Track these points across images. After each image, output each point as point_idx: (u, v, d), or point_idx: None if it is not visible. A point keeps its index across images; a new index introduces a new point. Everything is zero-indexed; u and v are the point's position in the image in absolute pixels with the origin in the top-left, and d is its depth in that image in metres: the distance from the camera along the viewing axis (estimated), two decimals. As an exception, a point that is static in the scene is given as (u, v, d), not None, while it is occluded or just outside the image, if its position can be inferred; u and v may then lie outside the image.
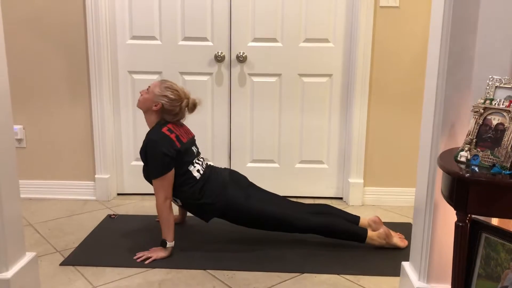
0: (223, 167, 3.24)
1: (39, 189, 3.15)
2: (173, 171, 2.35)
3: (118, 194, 3.25)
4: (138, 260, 2.30)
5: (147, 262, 2.28)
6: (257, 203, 2.43)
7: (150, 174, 2.39)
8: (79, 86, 3.03)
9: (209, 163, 2.61)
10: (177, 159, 2.35)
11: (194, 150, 2.49)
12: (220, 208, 2.41)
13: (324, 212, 2.53)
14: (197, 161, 2.47)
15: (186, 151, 2.41)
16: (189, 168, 2.40)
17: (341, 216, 2.52)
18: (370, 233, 2.44)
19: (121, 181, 3.24)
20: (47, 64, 3.01)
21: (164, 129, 2.36)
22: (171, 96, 2.36)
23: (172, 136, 2.36)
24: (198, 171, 2.43)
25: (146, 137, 2.40)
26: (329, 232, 2.45)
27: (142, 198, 3.20)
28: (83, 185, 3.15)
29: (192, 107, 2.44)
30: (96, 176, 3.12)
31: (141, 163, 3.19)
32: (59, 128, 3.09)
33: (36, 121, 3.09)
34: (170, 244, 2.33)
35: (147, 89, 2.42)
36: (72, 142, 3.11)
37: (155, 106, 2.37)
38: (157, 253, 2.32)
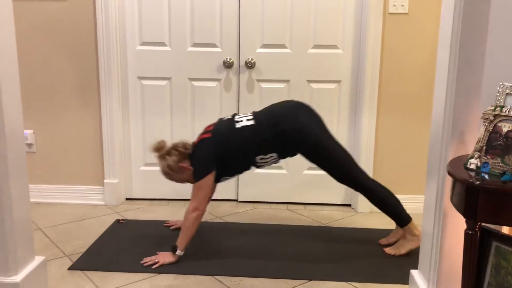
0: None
1: (48, 194, 3.18)
2: (212, 176, 2.35)
3: (127, 199, 3.26)
4: (146, 264, 2.30)
5: (154, 267, 2.29)
6: (333, 139, 2.46)
7: (194, 178, 2.39)
8: (89, 91, 3.06)
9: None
10: (219, 138, 2.37)
11: (227, 117, 2.48)
12: (295, 128, 2.36)
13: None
14: (237, 117, 2.45)
15: (218, 127, 2.42)
16: (237, 126, 2.38)
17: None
18: (413, 223, 2.46)
19: (129, 186, 3.25)
20: (57, 69, 3.04)
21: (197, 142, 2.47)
22: (174, 158, 2.41)
23: (202, 136, 2.44)
24: (248, 120, 2.40)
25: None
26: (381, 199, 2.46)
27: (151, 203, 3.21)
28: (92, 190, 3.17)
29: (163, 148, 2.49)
30: (105, 181, 3.14)
31: (150, 168, 3.22)
32: (68, 133, 3.12)
33: (46, 126, 3.11)
34: (180, 252, 2.33)
35: (169, 177, 2.48)
36: (82, 147, 3.13)
37: (182, 168, 2.41)
38: (165, 258, 2.33)
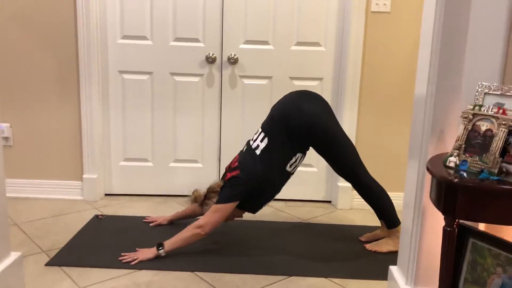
0: (214, 167, 3.24)
1: (25, 188, 3.12)
2: (233, 207, 2.35)
3: (106, 195, 3.22)
4: (124, 261, 2.28)
5: (133, 263, 2.26)
6: (340, 128, 2.47)
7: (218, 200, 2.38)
8: (69, 85, 3.01)
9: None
10: (246, 170, 2.36)
11: (245, 148, 2.47)
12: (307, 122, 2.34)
13: None
14: (251, 143, 2.44)
15: (243, 163, 2.40)
16: (255, 151, 2.37)
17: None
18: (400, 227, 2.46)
19: (109, 182, 3.21)
20: (36, 62, 2.98)
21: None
22: (213, 199, 2.40)
23: (232, 174, 2.41)
24: (261, 140, 2.38)
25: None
26: (378, 198, 2.49)
27: (130, 198, 3.18)
28: (71, 185, 3.12)
29: (198, 197, 2.50)
30: (84, 176, 3.10)
31: (130, 163, 3.19)
32: (47, 127, 3.06)
33: (24, 120, 3.05)
34: (163, 252, 2.31)
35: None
36: (60, 141, 3.08)
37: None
38: (144, 254, 2.31)
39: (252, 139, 2.46)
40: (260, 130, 2.44)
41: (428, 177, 1.72)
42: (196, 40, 3.03)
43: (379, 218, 2.55)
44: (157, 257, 2.31)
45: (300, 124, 2.33)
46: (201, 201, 2.46)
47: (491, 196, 1.39)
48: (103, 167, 3.16)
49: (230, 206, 2.34)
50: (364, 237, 2.61)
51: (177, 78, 3.09)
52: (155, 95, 3.10)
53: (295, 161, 2.41)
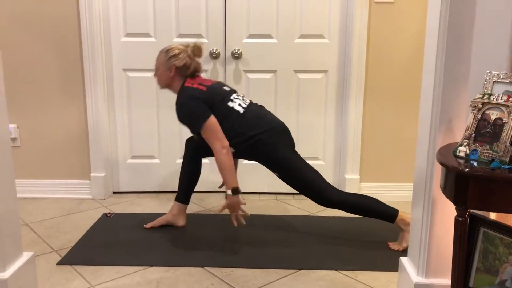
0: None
1: (34, 189, 3.13)
2: (214, 117, 2.32)
3: (114, 193, 3.23)
4: (235, 224, 2.35)
5: (235, 221, 2.34)
6: (301, 159, 2.44)
7: (194, 129, 2.36)
8: (74, 84, 3.01)
9: (254, 102, 2.53)
10: (210, 101, 2.34)
11: (227, 89, 2.46)
12: (270, 142, 2.35)
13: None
14: (235, 96, 2.43)
15: (215, 90, 2.40)
16: (228, 104, 2.38)
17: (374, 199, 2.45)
18: (402, 213, 2.36)
19: (117, 179, 3.22)
20: (40, 62, 2.98)
21: (186, 84, 2.40)
22: (176, 51, 2.39)
23: (194, 85, 2.38)
24: (239, 105, 2.40)
25: (176, 103, 2.41)
26: (358, 205, 2.37)
27: (138, 196, 3.19)
28: (79, 183, 3.14)
29: (198, 50, 2.45)
30: (91, 174, 3.11)
31: (137, 161, 3.19)
32: (53, 126, 3.07)
33: (30, 120, 3.06)
34: (230, 192, 2.31)
35: (155, 67, 2.46)
36: (67, 141, 3.09)
37: (170, 72, 2.40)
38: (234, 206, 2.33)
39: (236, 95, 2.46)
40: (246, 102, 2.44)
41: (437, 167, 1.71)
42: (200, 36, 3.03)
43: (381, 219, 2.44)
44: (169, 253, 2.31)
45: (266, 150, 2.37)
46: (173, 52, 2.42)
47: (503, 185, 1.38)
48: (110, 165, 3.17)
49: (210, 120, 2.31)
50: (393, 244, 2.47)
51: (182, 75, 3.08)
52: (160, 92, 3.10)
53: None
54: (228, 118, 2.36)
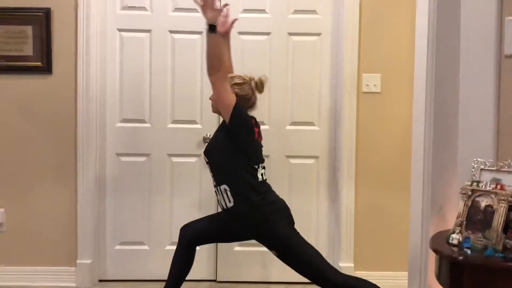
0: (212, 249, 3.16)
1: (18, 276, 2.99)
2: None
3: (100, 281, 3.10)
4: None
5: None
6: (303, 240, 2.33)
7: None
8: (65, 169, 3.01)
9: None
10: (253, 146, 2.31)
11: (261, 155, 2.41)
12: (272, 218, 2.27)
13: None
14: (263, 166, 2.38)
15: (259, 147, 2.36)
16: (255, 166, 2.31)
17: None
18: None
19: (103, 267, 3.11)
20: (33, 146, 3.00)
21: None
22: (240, 81, 2.34)
23: (252, 120, 2.34)
24: (262, 175, 2.34)
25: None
26: None
27: (125, 285, 3.06)
28: (64, 271, 3.02)
29: (261, 85, 2.40)
30: (77, 261, 3.00)
31: (125, 247, 3.11)
32: (41, 211, 3.02)
33: (18, 204, 3.01)
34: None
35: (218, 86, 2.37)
36: (55, 226, 3.02)
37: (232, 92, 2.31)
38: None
39: (263, 165, 2.41)
40: (265, 178, 2.39)
41: (431, 255, 1.68)
42: (194, 122, 3.10)
43: None
44: None
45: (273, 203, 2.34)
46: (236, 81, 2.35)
47: (498, 274, 1.36)
48: (98, 251, 3.08)
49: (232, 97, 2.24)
50: None
51: (174, 159, 3.11)
52: (153, 177, 3.10)
53: (222, 194, 2.33)
54: (251, 173, 2.31)
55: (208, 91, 3.07)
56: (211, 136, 2.57)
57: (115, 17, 3.08)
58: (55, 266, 3.03)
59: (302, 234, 3.11)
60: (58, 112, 3.00)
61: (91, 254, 3.02)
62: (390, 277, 3.00)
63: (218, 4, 2.21)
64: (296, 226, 3.09)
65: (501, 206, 1.43)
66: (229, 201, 2.29)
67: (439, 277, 1.50)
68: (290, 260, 2.31)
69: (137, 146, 3.10)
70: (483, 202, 1.49)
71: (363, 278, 2.51)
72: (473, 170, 1.57)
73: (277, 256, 2.34)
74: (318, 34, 3.09)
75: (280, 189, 3.09)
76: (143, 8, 3.08)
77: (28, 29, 2.95)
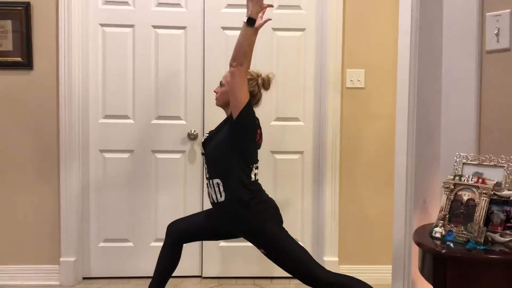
0: (196, 245, 3.15)
1: (0, 275, 2.97)
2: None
3: (84, 278, 3.08)
4: None
5: None
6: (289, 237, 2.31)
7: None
8: (48, 165, 2.97)
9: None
10: (252, 147, 2.29)
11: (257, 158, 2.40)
12: (262, 217, 2.25)
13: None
14: (257, 166, 2.35)
15: (258, 148, 2.35)
16: (250, 166, 2.29)
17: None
18: None
19: (87, 264, 3.09)
20: (14, 142, 2.96)
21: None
22: (248, 77, 2.31)
23: (258, 130, 2.32)
24: (255, 175, 2.32)
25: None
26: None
27: (109, 282, 3.04)
28: (47, 269, 2.98)
29: (268, 82, 2.40)
30: (61, 259, 2.97)
31: (110, 244, 3.08)
32: (24, 208, 2.98)
33: (0, 201, 2.97)
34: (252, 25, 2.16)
35: (220, 84, 2.38)
36: (37, 223, 2.98)
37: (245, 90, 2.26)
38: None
39: (257, 165, 2.38)
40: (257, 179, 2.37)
41: (415, 249, 1.70)
42: (178, 118, 3.08)
43: None
44: None
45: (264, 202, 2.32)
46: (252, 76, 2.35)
47: (480, 266, 1.38)
48: (82, 249, 3.05)
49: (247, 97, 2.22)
50: None
51: (159, 155, 3.09)
52: (136, 173, 3.08)
53: (213, 185, 2.32)
54: (245, 172, 2.28)
55: (192, 86, 3.08)
56: (207, 132, 2.54)
57: (97, 12, 3.04)
58: (39, 265, 2.99)
59: (287, 228, 3.14)
60: (39, 108, 2.95)
61: (75, 252, 2.99)
62: (374, 270, 3.04)
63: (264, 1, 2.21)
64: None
65: (483, 199, 1.45)
66: (220, 196, 2.28)
67: (422, 270, 1.51)
68: (278, 259, 2.31)
69: (120, 143, 3.07)
70: (465, 196, 1.51)
71: (349, 274, 2.54)
72: (456, 164, 1.59)
73: (265, 255, 2.34)
74: (303, 30, 3.10)
75: (265, 185, 3.10)
76: (126, 3, 3.04)
77: (8, 24, 2.90)
